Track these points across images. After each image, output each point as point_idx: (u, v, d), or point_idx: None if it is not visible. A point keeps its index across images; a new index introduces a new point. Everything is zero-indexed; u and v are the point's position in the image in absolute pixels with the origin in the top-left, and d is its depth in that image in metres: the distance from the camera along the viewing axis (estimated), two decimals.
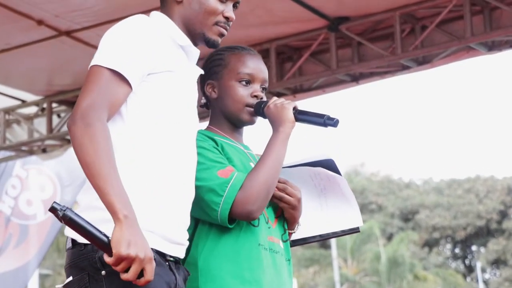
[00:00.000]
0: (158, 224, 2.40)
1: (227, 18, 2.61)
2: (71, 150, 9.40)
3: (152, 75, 2.43)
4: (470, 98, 57.64)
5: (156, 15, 2.58)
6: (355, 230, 3.00)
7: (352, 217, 2.97)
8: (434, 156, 53.81)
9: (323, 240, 3.12)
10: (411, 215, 34.11)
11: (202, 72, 2.69)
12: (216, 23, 2.59)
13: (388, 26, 6.72)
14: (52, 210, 2.21)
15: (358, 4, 6.45)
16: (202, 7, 2.57)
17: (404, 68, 6.94)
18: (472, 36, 6.34)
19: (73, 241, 2.38)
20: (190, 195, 2.53)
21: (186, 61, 2.57)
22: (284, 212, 2.82)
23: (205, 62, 2.88)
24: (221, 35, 2.62)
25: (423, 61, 6.84)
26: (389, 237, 33.32)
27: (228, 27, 2.63)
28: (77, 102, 2.33)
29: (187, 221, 2.53)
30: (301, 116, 2.78)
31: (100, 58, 2.39)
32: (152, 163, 2.40)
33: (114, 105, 2.36)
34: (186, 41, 2.56)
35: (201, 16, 2.57)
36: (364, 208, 34.31)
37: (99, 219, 2.30)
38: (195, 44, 2.61)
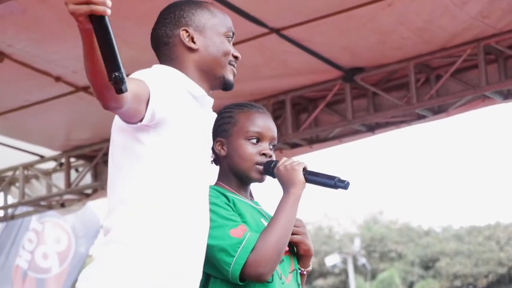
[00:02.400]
0: (171, 278, 2.39)
1: (236, 58, 2.65)
2: (89, 205, 9.48)
3: (165, 127, 2.40)
4: (487, 146, 57.44)
5: (164, 68, 2.56)
6: None
7: None
8: (453, 203, 53.42)
9: None
10: (432, 262, 33.79)
11: (215, 116, 2.70)
12: (229, 63, 2.63)
13: (403, 76, 6.75)
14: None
15: (372, 55, 6.49)
16: (220, 50, 2.61)
17: (420, 118, 6.94)
18: (487, 85, 6.34)
19: None
20: (202, 251, 2.52)
21: (201, 111, 2.57)
22: (298, 251, 2.84)
23: (215, 119, 2.91)
24: (234, 75, 2.66)
25: (439, 110, 6.84)
26: (410, 286, 32.99)
27: None
28: None
29: (199, 275, 2.52)
30: (311, 177, 2.79)
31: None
32: (164, 220, 2.40)
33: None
34: (201, 91, 2.57)
35: (219, 59, 2.60)
36: (383, 256, 34.02)
37: (118, 273, 2.32)
38: (211, 89, 2.63)
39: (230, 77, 2.64)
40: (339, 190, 2.77)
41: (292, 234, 2.80)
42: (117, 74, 2.01)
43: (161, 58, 2.62)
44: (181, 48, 2.59)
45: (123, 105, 2.20)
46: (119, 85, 2.02)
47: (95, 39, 2.03)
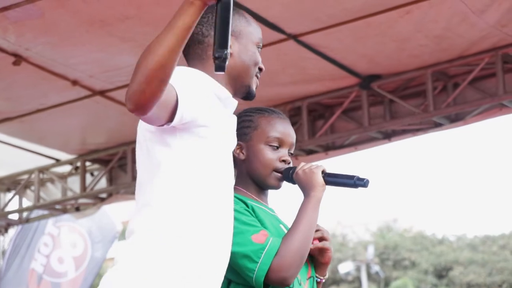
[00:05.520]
0: (192, 281, 2.35)
1: (260, 69, 2.65)
2: (104, 208, 9.50)
3: (192, 130, 2.37)
4: (504, 155, 57.23)
5: (190, 69, 2.51)
6: None
7: None
8: (468, 212, 53.24)
9: None
10: (445, 271, 33.65)
11: (235, 118, 2.66)
12: (256, 75, 2.63)
13: (420, 83, 6.73)
14: None
15: (389, 62, 6.47)
16: (252, 59, 2.60)
17: (437, 126, 6.92)
18: (504, 94, 6.32)
19: None
20: (226, 256, 2.49)
21: (226, 114, 2.53)
22: (322, 258, 2.83)
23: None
24: (257, 87, 2.65)
25: (456, 119, 6.82)
26: None
27: None
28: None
29: (221, 280, 2.49)
30: (330, 179, 2.79)
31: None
32: (189, 224, 2.37)
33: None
34: (227, 93, 2.53)
35: (250, 68, 2.59)
36: (397, 265, 33.89)
37: (141, 277, 2.30)
38: (233, 95, 2.59)
39: (254, 87, 2.63)
40: (359, 188, 2.76)
41: (321, 240, 2.80)
42: (227, 51, 2.14)
43: (190, 56, 2.60)
44: None
45: (151, 109, 2.18)
46: (224, 63, 2.15)
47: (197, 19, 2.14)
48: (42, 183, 8.38)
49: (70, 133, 7.65)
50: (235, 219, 2.64)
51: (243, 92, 2.61)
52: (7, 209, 8.75)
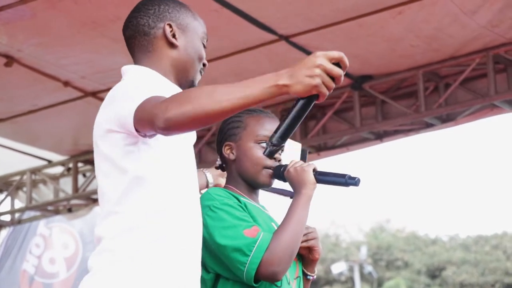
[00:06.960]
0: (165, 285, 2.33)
1: (204, 65, 2.63)
2: (96, 210, 9.49)
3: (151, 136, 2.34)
4: (495, 155, 57.38)
5: (146, 71, 2.50)
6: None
7: None
8: (461, 212, 53.36)
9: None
10: (438, 271, 33.71)
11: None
12: (200, 71, 2.61)
13: (412, 84, 6.74)
14: None
15: (381, 63, 6.48)
16: (197, 53, 2.57)
17: (428, 126, 6.94)
18: (496, 94, 6.34)
19: None
20: (198, 257, 2.46)
21: None
22: (312, 255, 2.86)
23: (222, 124, 2.92)
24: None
25: (447, 119, 6.83)
26: None
27: None
28: (152, 116, 2.16)
29: (197, 282, 2.47)
30: (321, 177, 2.80)
31: (133, 103, 2.28)
32: (157, 227, 2.35)
33: None
34: (178, 89, 2.49)
35: (195, 62, 2.56)
36: (390, 265, 33.94)
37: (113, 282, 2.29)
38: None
39: (196, 83, 2.60)
40: (350, 187, 2.78)
41: (306, 240, 2.82)
42: (283, 144, 2.34)
43: (135, 48, 2.56)
44: (162, 42, 2.54)
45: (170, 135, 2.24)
46: (275, 151, 2.44)
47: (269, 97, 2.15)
48: (34, 184, 8.37)
49: (62, 134, 7.64)
50: (227, 213, 2.67)
51: (186, 87, 2.57)
52: None
